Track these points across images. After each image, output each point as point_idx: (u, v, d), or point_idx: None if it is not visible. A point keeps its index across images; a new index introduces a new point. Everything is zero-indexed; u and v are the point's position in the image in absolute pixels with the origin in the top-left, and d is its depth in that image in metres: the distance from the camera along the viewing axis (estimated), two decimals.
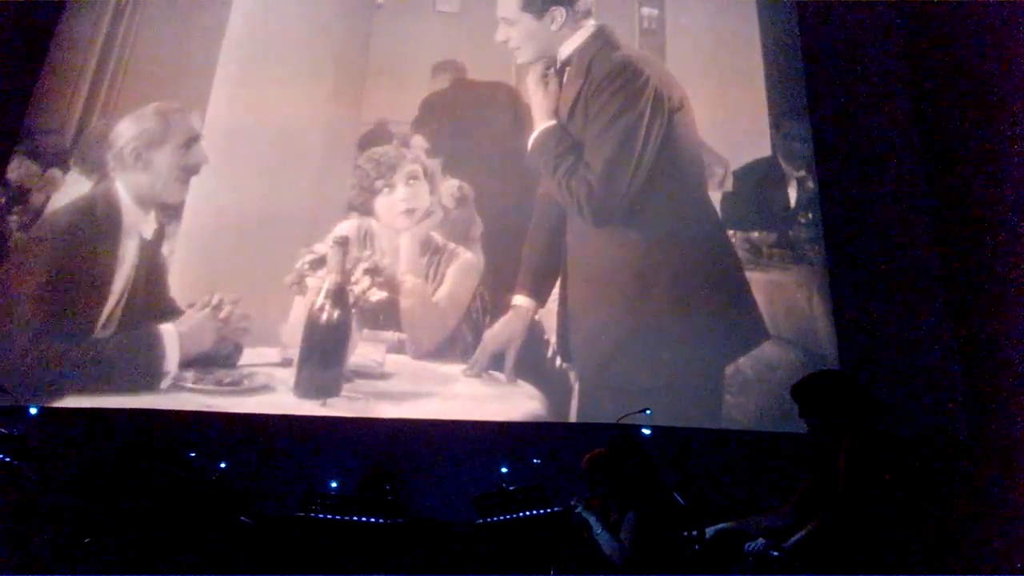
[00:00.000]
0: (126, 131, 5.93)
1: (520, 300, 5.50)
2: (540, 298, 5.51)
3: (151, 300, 5.59)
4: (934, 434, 5.01)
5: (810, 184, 5.88)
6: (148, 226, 5.71)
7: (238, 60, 6.34)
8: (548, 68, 5.70)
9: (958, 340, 5.33)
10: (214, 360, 5.42)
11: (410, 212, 5.75)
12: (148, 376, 5.35)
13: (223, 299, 5.49)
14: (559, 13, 5.64)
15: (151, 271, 5.65)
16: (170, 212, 5.82)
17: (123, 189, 5.74)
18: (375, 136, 6.05)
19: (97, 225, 5.69)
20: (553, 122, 5.62)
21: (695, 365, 5.32)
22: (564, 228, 5.58)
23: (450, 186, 5.87)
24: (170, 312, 5.55)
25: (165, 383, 5.33)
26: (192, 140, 5.90)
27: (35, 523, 4.13)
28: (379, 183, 5.79)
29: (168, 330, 5.45)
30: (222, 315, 5.46)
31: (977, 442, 4.98)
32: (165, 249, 5.74)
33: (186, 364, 5.38)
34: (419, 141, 6.01)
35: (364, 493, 4.57)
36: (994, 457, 4.86)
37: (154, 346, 5.41)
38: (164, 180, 5.78)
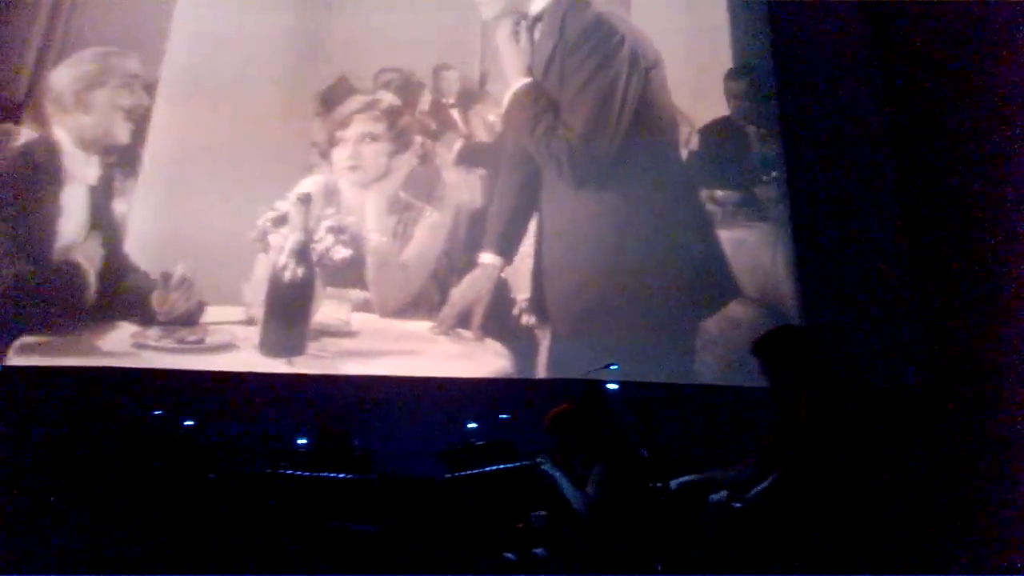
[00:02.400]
0: (64, 75, 5.78)
1: (487, 258, 5.49)
2: (507, 255, 5.51)
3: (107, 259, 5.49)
4: (893, 388, 5.15)
5: (775, 143, 5.92)
6: (92, 171, 5.59)
7: (196, 12, 6.16)
8: (518, 23, 5.61)
9: (920, 297, 5.44)
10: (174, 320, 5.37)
11: (355, 169, 5.67)
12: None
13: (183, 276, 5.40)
14: None
15: (104, 226, 5.54)
16: (127, 169, 5.69)
17: (63, 133, 5.61)
18: (338, 91, 5.95)
19: (38, 170, 5.56)
20: (528, 79, 5.56)
21: (668, 322, 5.37)
22: (535, 185, 5.56)
23: (414, 143, 5.82)
24: (125, 269, 5.46)
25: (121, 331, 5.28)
26: (131, 79, 5.76)
27: None
28: (336, 135, 5.73)
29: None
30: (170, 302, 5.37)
31: (933, 397, 5.12)
32: (122, 205, 5.62)
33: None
34: (384, 96, 5.92)
35: (322, 445, 4.58)
36: (950, 412, 5.01)
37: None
38: (107, 121, 5.65)
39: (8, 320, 5.30)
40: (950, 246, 5.33)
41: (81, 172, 5.58)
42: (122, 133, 5.70)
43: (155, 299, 5.36)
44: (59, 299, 5.37)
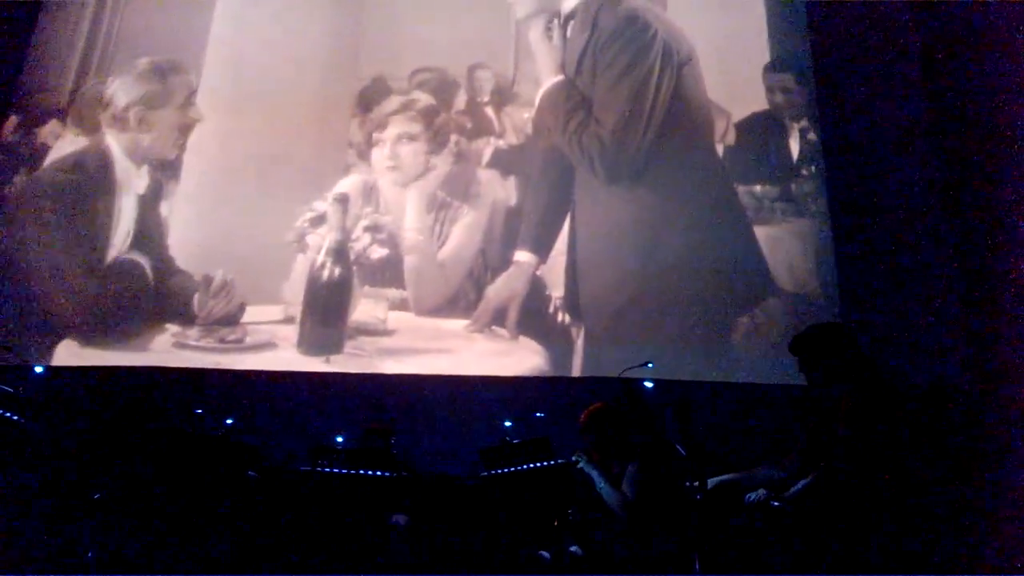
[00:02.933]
0: (126, 91, 5.89)
1: (522, 256, 5.50)
2: (542, 254, 5.51)
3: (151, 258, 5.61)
4: (935, 386, 5.04)
5: (812, 136, 5.83)
6: (141, 181, 5.70)
7: (234, 16, 6.26)
8: (551, 21, 5.61)
9: (961, 292, 5.32)
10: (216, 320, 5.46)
11: (394, 169, 5.71)
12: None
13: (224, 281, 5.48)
14: None
15: (151, 231, 5.65)
16: (168, 172, 5.80)
17: (115, 145, 5.72)
18: (374, 92, 5.99)
19: (90, 180, 5.69)
20: (561, 77, 5.56)
21: (704, 319, 5.32)
22: (569, 183, 5.56)
23: (450, 142, 5.84)
24: (170, 272, 5.57)
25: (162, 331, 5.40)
26: (191, 97, 5.87)
27: (42, 480, 4.18)
28: (374, 136, 5.78)
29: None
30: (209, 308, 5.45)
31: (977, 393, 5.00)
32: (164, 208, 5.73)
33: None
34: (420, 96, 5.96)
35: (365, 445, 4.62)
36: (994, 409, 4.89)
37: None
38: (163, 139, 5.76)
39: (52, 321, 5.44)
40: (993, 241, 5.20)
41: (131, 181, 5.70)
42: (173, 149, 5.81)
43: (196, 303, 5.45)
44: (110, 302, 5.49)
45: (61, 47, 6.26)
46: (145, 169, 5.74)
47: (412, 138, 5.79)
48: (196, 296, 5.46)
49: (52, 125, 6.00)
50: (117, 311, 5.46)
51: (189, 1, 6.31)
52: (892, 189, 5.61)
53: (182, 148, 5.84)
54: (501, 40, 6.11)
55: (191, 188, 5.80)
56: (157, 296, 5.51)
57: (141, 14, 6.31)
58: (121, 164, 5.70)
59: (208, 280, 5.47)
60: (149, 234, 5.64)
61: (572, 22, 5.55)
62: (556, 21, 5.61)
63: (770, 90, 5.93)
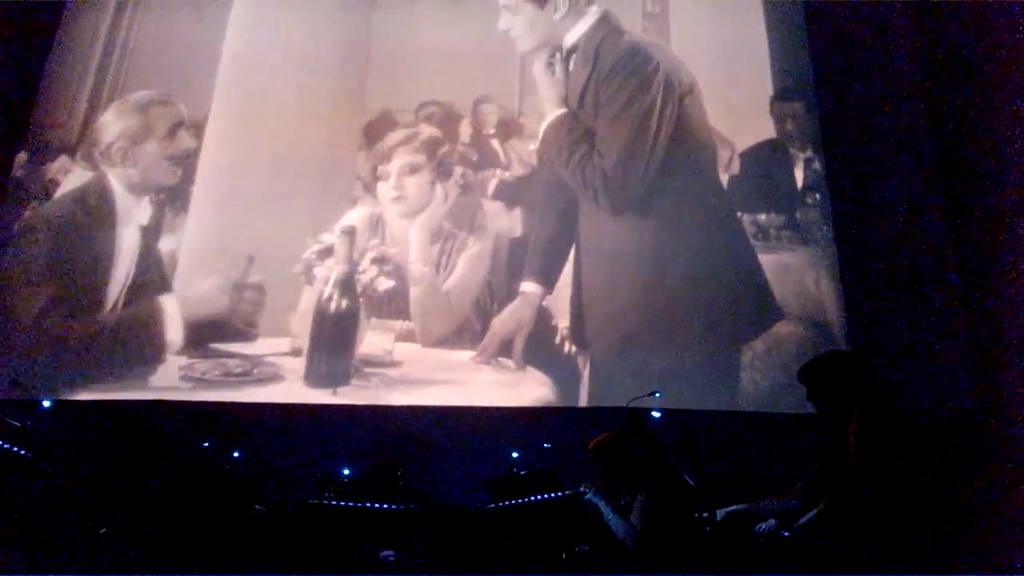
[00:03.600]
0: (109, 127, 5.99)
1: (528, 287, 5.50)
2: (548, 284, 5.51)
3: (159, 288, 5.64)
4: (943, 412, 5.00)
5: (817, 165, 5.86)
6: (143, 212, 5.75)
7: (242, 52, 6.35)
8: (553, 55, 5.67)
9: (967, 317, 5.31)
10: (223, 334, 5.47)
11: (400, 200, 5.75)
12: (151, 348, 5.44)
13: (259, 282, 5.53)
14: (562, 1, 5.60)
15: (155, 262, 5.69)
16: (176, 204, 5.85)
17: (114, 179, 5.79)
18: (380, 125, 6.05)
19: (91, 214, 5.74)
20: (563, 110, 5.60)
21: (711, 348, 5.32)
22: (574, 214, 5.58)
23: (455, 173, 5.88)
24: (175, 303, 5.61)
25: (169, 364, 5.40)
26: (176, 127, 5.93)
27: (50, 514, 4.17)
28: (379, 169, 5.83)
29: (169, 301, 5.58)
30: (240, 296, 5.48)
31: (985, 419, 4.97)
32: (171, 241, 5.77)
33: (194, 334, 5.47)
34: (424, 128, 6.02)
35: (374, 478, 4.60)
36: (1003, 433, 4.85)
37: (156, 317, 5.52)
38: (154, 172, 5.82)
39: (58, 355, 5.45)
40: (998, 266, 5.20)
41: (132, 214, 5.74)
42: (170, 177, 5.87)
43: (230, 297, 5.52)
44: (115, 334, 5.50)
45: (72, 83, 6.35)
46: (146, 201, 5.79)
47: (416, 169, 5.82)
48: (230, 291, 5.52)
49: (62, 161, 6.07)
50: (122, 343, 5.47)
51: (197, 38, 6.40)
52: (897, 214, 5.63)
53: (186, 179, 5.89)
54: (506, 74, 6.18)
55: (198, 221, 5.84)
56: (165, 327, 5.52)
57: (149, 53, 6.40)
58: (122, 197, 5.75)
59: (243, 283, 5.51)
60: (154, 267, 5.67)
61: (574, 56, 5.60)
62: (559, 55, 5.66)
63: (780, 119, 5.98)
